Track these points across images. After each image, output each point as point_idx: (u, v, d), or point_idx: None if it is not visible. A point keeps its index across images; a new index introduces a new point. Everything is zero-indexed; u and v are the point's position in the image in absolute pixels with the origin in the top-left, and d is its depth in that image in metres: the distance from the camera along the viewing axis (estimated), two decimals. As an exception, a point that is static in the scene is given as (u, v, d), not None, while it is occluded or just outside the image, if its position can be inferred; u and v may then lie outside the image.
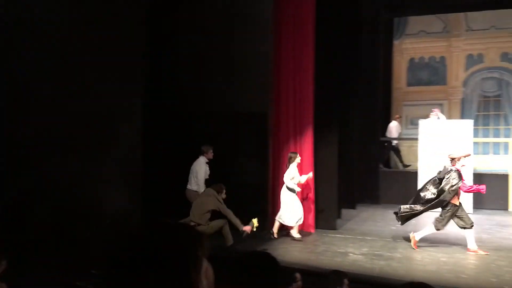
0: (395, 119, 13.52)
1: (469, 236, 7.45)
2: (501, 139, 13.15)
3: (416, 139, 11.94)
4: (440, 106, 13.88)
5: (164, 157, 8.81)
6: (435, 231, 7.55)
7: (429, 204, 7.59)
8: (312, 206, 8.75)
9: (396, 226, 9.46)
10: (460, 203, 7.54)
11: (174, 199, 8.20)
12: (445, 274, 6.42)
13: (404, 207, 7.81)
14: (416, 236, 7.68)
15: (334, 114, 9.12)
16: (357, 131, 11.89)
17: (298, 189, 8.08)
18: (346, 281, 4.33)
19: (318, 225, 8.87)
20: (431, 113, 12.11)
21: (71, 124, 6.52)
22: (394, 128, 13.37)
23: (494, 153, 13.43)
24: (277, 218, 8.21)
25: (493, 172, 12.28)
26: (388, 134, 13.40)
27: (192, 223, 6.92)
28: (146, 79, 8.42)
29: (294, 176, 8.07)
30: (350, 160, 11.28)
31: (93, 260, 4.56)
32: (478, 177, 11.43)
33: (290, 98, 8.82)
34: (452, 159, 7.62)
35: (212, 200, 7.28)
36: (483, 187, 7.76)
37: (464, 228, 7.44)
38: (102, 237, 5.36)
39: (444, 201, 7.43)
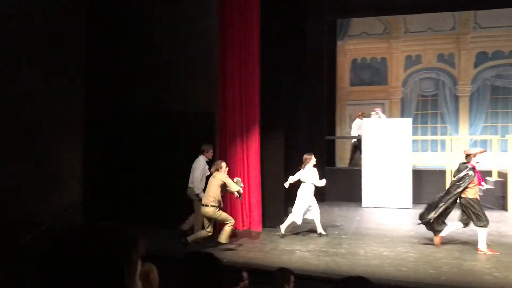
0: (358, 117, 13.81)
1: (482, 236, 7.32)
2: (438, 137, 13.77)
3: (359, 137, 12.30)
4: (382, 105, 14.37)
5: (107, 158, 8.59)
6: (462, 227, 7.53)
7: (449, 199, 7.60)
8: (259, 205, 8.81)
9: (341, 223, 9.72)
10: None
11: (116, 201, 8.02)
12: (387, 268, 6.66)
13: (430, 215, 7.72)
14: (442, 233, 7.62)
15: (280, 113, 9.22)
16: (303, 130, 12.08)
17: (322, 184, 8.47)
18: (292, 278, 4.39)
19: (266, 224, 8.94)
20: (372, 112, 12.49)
21: (9, 126, 6.23)
22: (357, 125, 13.65)
23: (432, 150, 14.06)
24: (292, 217, 8.34)
25: (431, 168, 12.85)
26: (352, 132, 13.68)
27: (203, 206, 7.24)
28: (87, 81, 8.18)
29: (315, 175, 8.45)
30: (297, 158, 11.45)
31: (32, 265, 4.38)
32: (417, 174, 11.92)
33: (236, 97, 8.83)
34: (467, 156, 7.63)
35: (216, 180, 7.35)
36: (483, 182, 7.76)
37: (481, 227, 7.33)
38: (40, 241, 5.16)
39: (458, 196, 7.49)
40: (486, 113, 13.97)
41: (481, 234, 7.33)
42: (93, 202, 8.18)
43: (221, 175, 7.41)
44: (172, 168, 8.44)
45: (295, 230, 8.68)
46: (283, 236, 8.29)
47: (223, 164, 7.54)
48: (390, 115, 14.21)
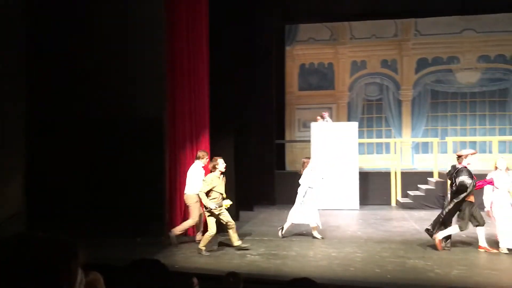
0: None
1: (481, 234, 7.48)
2: (383, 140, 14.26)
3: (309, 141, 12.54)
4: (329, 109, 14.71)
5: (52, 165, 8.31)
6: (459, 231, 7.56)
7: (449, 207, 7.57)
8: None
9: (291, 226, 9.85)
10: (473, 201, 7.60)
11: (61, 209, 7.79)
12: (335, 268, 6.81)
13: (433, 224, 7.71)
14: (439, 236, 7.62)
15: (230, 118, 9.28)
16: (253, 134, 12.20)
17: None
18: (242, 282, 4.42)
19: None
20: (318, 117, 12.74)
21: None
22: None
23: (377, 153, 14.53)
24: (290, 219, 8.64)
25: (377, 170, 13.28)
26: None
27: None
28: (29, 86, 7.89)
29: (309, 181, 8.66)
30: (247, 163, 11.54)
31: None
32: (364, 176, 12.29)
33: (186, 103, 8.80)
34: (459, 157, 7.72)
35: (215, 178, 7.50)
36: (490, 180, 7.66)
37: (477, 226, 7.48)
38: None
39: (461, 200, 7.46)
40: (427, 117, 14.60)
41: (480, 233, 7.49)
42: (37, 211, 7.89)
43: (217, 176, 7.58)
44: (118, 175, 8.28)
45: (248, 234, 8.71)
46: (282, 237, 8.57)
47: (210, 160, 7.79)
48: (337, 119, 14.56)
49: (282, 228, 8.72)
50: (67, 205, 8.01)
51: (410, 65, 14.71)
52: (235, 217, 9.59)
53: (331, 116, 12.73)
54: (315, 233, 8.65)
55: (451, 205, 7.54)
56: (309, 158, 9.10)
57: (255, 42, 12.22)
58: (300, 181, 8.79)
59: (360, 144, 12.78)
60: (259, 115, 12.53)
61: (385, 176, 12.78)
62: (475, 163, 14.20)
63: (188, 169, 8.53)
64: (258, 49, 12.41)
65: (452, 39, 14.39)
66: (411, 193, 12.31)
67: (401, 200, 12.24)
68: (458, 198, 7.48)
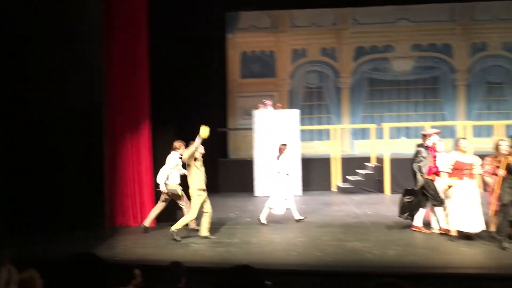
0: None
1: (438, 213, 7.54)
2: (324, 126, 14.57)
3: (251, 129, 12.61)
4: (271, 97, 14.82)
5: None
6: (437, 210, 7.55)
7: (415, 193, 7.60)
8: (152, 201, 8.68)
9: (234, 213, 9.92)
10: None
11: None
12: (278, 254, 6.95)
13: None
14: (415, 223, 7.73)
15: (170, 108, 9.13)
16: (196, 123, 12.06)
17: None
18: (184, 271, 4.41)
19: (159, 218, 8.82)
20: (260, 104, 12.83)
21: None
22: None
23: (318, 139, 14.84)
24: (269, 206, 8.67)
25: (318, 156, 13.59)
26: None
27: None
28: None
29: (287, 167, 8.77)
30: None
31: None
32: (306, 162, 12.52)
33: (125, 94, 8.60)
34: (424, 136, 7.78)
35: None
36: (435, 166, 7.62)
37: (435, 206, 7.57)
38: None
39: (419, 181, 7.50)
40: (364, 104, 15.06)
41: (438, 213, 7.59)
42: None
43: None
44: (57, 168, 7.99)
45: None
46: (264, 225, 8.57)
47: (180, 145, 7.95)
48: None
49: (259, 219, 8.71)
50: (3, 200, 7.64)
51: (348, 53, 15.07)
52: (177, 207, 9.52)
53: (273, 104, 12.82)
54: (297, 216, 8.76)
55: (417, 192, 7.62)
56: (285, 144, 9.12)
57: (195, 29, 12.05)
58: (277, 168, 8.79)
59: (302, 131, 13.00)
60: (201, 103, 12.42)
61: (326, 162, 13.09)
62: (408, 147, 14.87)
63: (127, 160, 8.38)
64: (199, 37, 12.25)
65: (387, 28, 14.87)
66: (350, 178, 12.69)
67: (341, 185, 12.61)
68: (416, 185, 7.62)
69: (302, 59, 15.19)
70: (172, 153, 8.15)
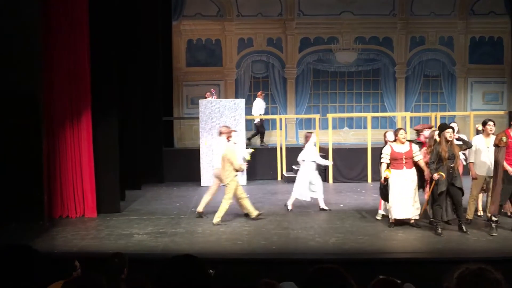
0: (258, 96, 13.80)
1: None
2: (269, 116, 14.66)
3: (197, 118, 12.50)
4: (217, 86, 14.76)
5: None
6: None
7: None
8: (93, 191, 8.45)
9: (179, 203, 9.84)
10: None
11: None
12: (223, 243, 6.97)
13: None
14: None
15: (113, 96, 8.88)
16: (140, 112, 11.84)
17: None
18: (126, 262, 4.33)
19: (101, 209, 8.63)
20: (208, 93, 12.75)
21: None
22: (257, 105, 13.65)
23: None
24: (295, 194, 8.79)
25: (264, 146, 13.68)
26: (254, 112, 13.60)
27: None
28: None
29: (310, 155, 8.76)
30: (133, 141, 11.22)
31: None
32: (255, 151, 12.55)
33: (65, 82, 8.28)
34: (416, 131, 7.99)
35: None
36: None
37: None
38: None
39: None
40: (309, 94, 15.32)
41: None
42: None
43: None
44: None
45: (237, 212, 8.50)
46: (289, 210, 8.79)
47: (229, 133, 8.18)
48: (225, 96, 14.68)
49: (286, 205, 8.90)
50: None
51: (294, 44, 15.23)
52: (120, 196, 9.34)
53: (218, 93, 12.76)
54: (323, 205, 8.83)
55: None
56: (311, 132, 9.31)
57: (139, 16, 11.76)
58: (304, 156, 8.82)
59: (248, 121, 13.04)
60: (145, 91, 12.17)
61: (271, 151, 13.21)
62: (350, 137, 15.28)
63: (68, 149, 8.11)
64: (143, 24, 11.96)
65: (332, 20, 15.13)
66: (295, 167, 12.87)
67: (286, 174, 12.77)
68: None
69: (248, 48, 15.19)
70: (220, 138, 8.50)
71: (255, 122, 13.75)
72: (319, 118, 13.58)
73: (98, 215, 8.49)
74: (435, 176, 6.97)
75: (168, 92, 14.34)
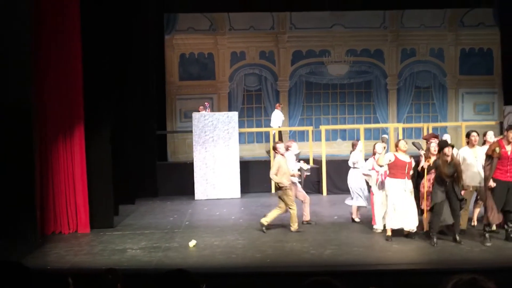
0: (276, 108, 13.93)
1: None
2: (263, 129, 14.72)
3: (191, 131, 12.50)
4: (211, 99, 14.80)
5: None
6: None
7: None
8: (86, 207, 8.38)
9: (173, 217, 9.79)
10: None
11: None
12: (218, 256, 6.93)
13: None
14: None
15: (106, 110, 8.87)
16: (133, 126, 11.82)
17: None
18: (119, 277, 4.29)
19: (94, 224, 8.56)
20: (201, 106, 12.78)
21: None
22: (276, 116, 13.85)
23: (257, 142, 14.98)
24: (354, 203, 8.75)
25: (258, 159, 13.69)
26: (272, 124, 13.81)
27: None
28: None
29: (358, 160, 8.76)
30: (127, 155, 11.17)
31: None
32: (245, 164, 12.57)
33: (56, 95, 8.25)
34: (425, 140, 8.05)
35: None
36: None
37: None
38: None
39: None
40: (302, 106, 15.39)
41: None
42: None
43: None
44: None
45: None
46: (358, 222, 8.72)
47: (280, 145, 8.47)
48: (218, 109, 14.71)
49: (353, 219, 8.83)
50: None
51: (286, 57, 15.33)
52: (114, 211, 9.28)
53: (212, 107, 12.79)
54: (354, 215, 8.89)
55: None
56: (358, 140, 9.55)
57: (132, 30, 11.80)
58: (350, 163, 8.88)
59: (241, 134, 13.06)
60: (139, 105, 12.16)
61: (265, 164, 13.16)
62: (344, 148, 15.32)
63: (60, 164, 8.09)
64: (136, 38, 12.00)
65: (323, 33, 15.26)
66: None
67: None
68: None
69: (241, 61, 15.28)
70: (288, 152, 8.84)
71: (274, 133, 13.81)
72: (312, 130, 13.61)
73: (91, 231, 8.41)
74: (425, 164, 7.20)
75: (161, 106, 14.35)
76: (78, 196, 8.36)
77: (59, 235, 8.23)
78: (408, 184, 7.47)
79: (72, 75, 8.31)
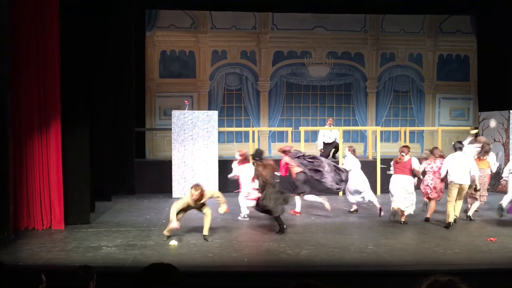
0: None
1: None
2: (242, 129, 14.71)
3: (170, 129, 12.42)
4: (191, 98, 14.72)
5: None
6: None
7: None
8: (61, 203, 8.26)
9: (150, 215, 9.71)
10: None
11: None
12: (194, 255, 6.90)
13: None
14: None
15: (83, 106, 8.74)
16: (112, 122, 11.69)
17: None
18: (92, 275, 4.24)
19: (69, 221, 8.45)
20: (186, 101, 12.72)
21: None
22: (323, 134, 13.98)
23: (237, 141, 14.95)
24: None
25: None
26: (319, 141, 13.91)
27: None
28: None
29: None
30: (104, 152, 11.05)
31: None
32: (224, 164, 12.53)
33: (34, 90, 8.10)
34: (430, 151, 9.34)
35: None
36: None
37: None
38: None
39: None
40: (282, 107, 15.43)
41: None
42: None
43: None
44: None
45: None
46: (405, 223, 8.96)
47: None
48: (198, 108, 14.65)
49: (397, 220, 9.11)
50: None
51: (267, 57, 15.35)
52: (90, 208, 9.16)
53: (191, 105, 12.72)
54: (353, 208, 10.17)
55: None
56: (352, 146, 10.48)
57: (112, 26, 11.68)
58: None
59: (220, 133, 13.03)
60: (117, 101, 12.04)
61: (244, 163, 13.17)
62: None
63: (35, 159, 7.95)
64: (116, 34, 11.88)
65: (305, 35, 15.33)
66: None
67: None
68: None
69: (222, 60, 15.24)
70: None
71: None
72: (292, 131, 13.67)
73: (66, 227, 8.29)
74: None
75: (140, 102, 14.23)
76: (53, 191, 8.23)
77: (32, 231, 8.10)
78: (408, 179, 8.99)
79: (49, 70, 8.18)
